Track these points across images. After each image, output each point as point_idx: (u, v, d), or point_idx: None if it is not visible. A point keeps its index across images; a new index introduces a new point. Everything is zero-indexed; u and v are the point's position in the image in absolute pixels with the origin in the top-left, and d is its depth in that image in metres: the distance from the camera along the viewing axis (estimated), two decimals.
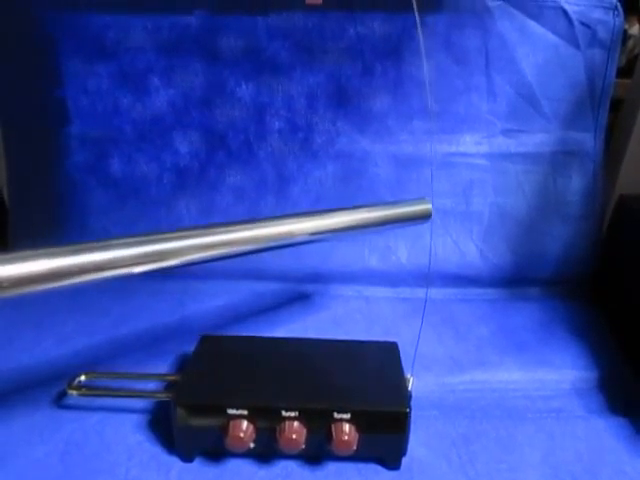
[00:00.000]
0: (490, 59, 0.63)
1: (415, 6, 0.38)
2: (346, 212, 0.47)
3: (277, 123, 0.65)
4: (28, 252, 0.30)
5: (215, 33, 0.62)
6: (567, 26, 0.61)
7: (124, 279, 0.65)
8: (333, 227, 0.46)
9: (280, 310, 0.64)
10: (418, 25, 0.39)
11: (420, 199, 0.51)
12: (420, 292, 0.66)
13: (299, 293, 0.67)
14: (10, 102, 0.66)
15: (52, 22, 0.62)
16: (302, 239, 0.44)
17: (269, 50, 0.62)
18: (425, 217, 0.50)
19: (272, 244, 0.42)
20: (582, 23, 0.61)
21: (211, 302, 0.65)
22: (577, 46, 0.62)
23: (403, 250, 0.68)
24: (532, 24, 0.61)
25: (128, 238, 0.35)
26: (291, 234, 0.43)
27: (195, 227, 0.39)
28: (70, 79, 0.64)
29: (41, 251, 0.30)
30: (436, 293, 0.67)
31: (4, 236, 0.70)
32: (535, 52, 0.63)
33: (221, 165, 0.67)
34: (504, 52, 0.63)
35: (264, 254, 0.66)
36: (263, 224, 0.42)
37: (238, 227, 0.41)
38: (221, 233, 0.39)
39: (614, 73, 0.64)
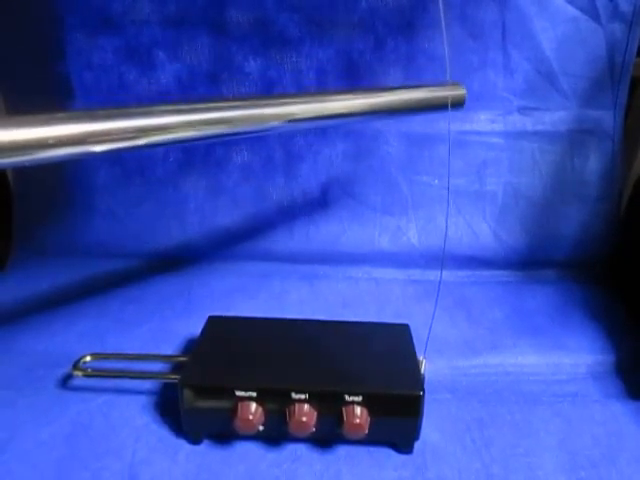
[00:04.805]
0: (507, 33, 0.61)
1: None
2: (364, 94, 0.43)
3: None
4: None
5: (223, 5, 0.60)
6: None
7: (132, 261, 0.66)
8: (347, 110, 0.42)
9: (289, 292, 0.63)
10: None
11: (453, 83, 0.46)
12: (431, 274, 0.65)
13: (308, 274, 0.66)
14: (13, 78, 0.65)
15: None
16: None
17: (278, 23, 0.60)
18: (458, 104, 0.45)
19: (274, 124, 0.38)
20: None
21: (219, 283, 0.64)
22: (598, 20, 0.60)
23: (414, 231, 0.67)
24: None
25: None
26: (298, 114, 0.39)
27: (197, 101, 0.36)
28: (73, 53, 0.62)
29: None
30: (448, 275, 0.65)
31: (8, 214, 0.69)
32: (554, 26, 0.60)
33: (228, 143, 0.65)
34: (521, 26, 0.60)
35: (274, 234, 0.67)
36: (269, 102, 0.39)
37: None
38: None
39: (635, 49, 0.61)
